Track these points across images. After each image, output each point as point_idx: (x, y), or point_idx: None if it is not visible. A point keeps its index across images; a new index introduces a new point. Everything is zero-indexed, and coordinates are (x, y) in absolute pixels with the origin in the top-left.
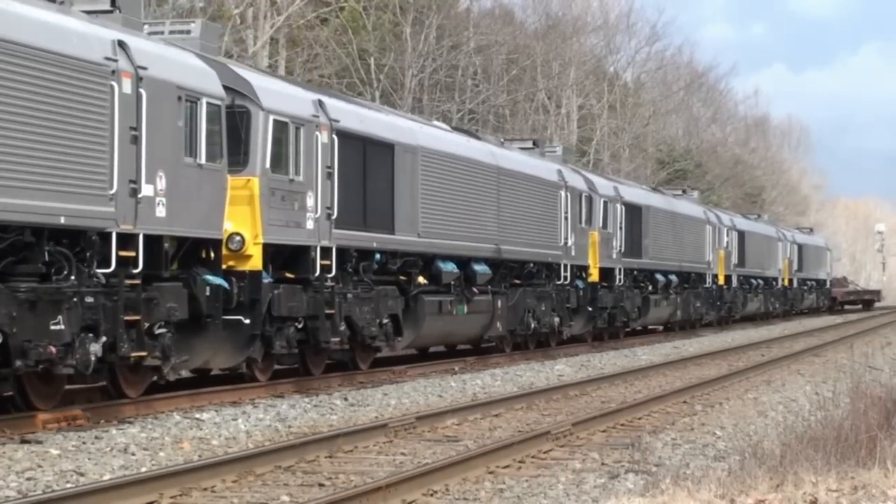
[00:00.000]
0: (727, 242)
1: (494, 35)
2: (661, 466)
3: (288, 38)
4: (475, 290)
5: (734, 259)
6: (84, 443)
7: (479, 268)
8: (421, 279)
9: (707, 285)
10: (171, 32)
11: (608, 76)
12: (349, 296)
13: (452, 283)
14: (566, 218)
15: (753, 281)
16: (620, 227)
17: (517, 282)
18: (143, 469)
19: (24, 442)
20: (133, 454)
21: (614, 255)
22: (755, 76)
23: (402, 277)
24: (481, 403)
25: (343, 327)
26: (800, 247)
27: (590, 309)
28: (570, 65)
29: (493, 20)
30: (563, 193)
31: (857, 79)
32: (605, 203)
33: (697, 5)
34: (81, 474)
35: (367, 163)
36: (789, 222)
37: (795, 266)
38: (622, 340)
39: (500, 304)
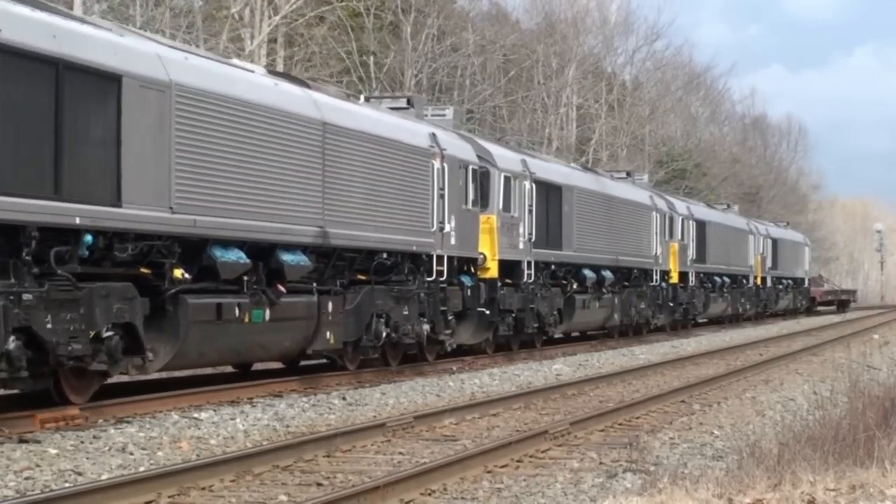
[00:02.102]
0: (682, 234)
1: (493, 35)
2: (659, 466)
3: (286, 37)
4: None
5: (691, 253)
6: (82, 442)
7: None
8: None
9: (654, 283)
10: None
11: (606, 76)
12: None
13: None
14: (442, 196)
15: (718, 279)
16: (530, 211)
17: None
18: (142, 468)
19: (22, 441)
20: (131, 454)
21: (521, 245)
22: (752, 76)
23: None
24: (479, 403)
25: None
26: (774, 241)
27: (487, 312)
28: (568, 64)
29: (491, 21)
30: (436, 163)
31: (854, 79)
32: (508, 179)
33: (694, 6)
34: (80, 474)
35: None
36: (787, 221)
37: (769, 263)
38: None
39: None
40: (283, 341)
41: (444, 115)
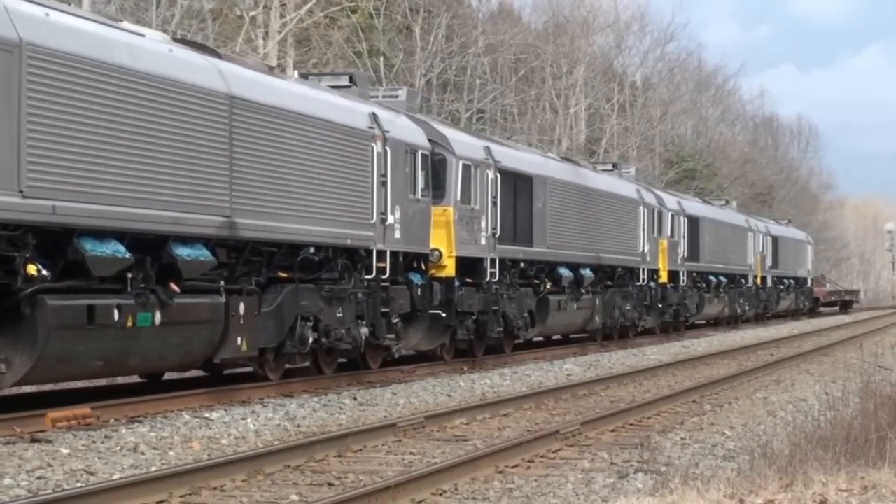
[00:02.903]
0: (672, 231)
1: (502, 35)
2: (671, 466)
3: (297, 37)
4: None
5: (683, 251)
6: (94, 442)
7: None
8: None
9: (641, 283)
10: (384, 97)
11: (618, 76)
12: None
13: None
14: (384, 183)
15: (713, 279)
16: (494, 203)
17: None
18: (153, 468)
19: (34, 441)
20: (143, 453)
21: (483, 241)
22: (762, 76)
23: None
24: (490, 403)
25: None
26: (775, 239)
27: (442, 314)
28: (578, 64)
29: (500, 20)
30: (376, 147)
31: (863, 79)
32: (467, 167)
33: (702, 6)
34: (91, 473)
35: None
36: (800, 222)
37: (770, 262)
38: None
39: None
40: (179, 348)
41: (395, 97)
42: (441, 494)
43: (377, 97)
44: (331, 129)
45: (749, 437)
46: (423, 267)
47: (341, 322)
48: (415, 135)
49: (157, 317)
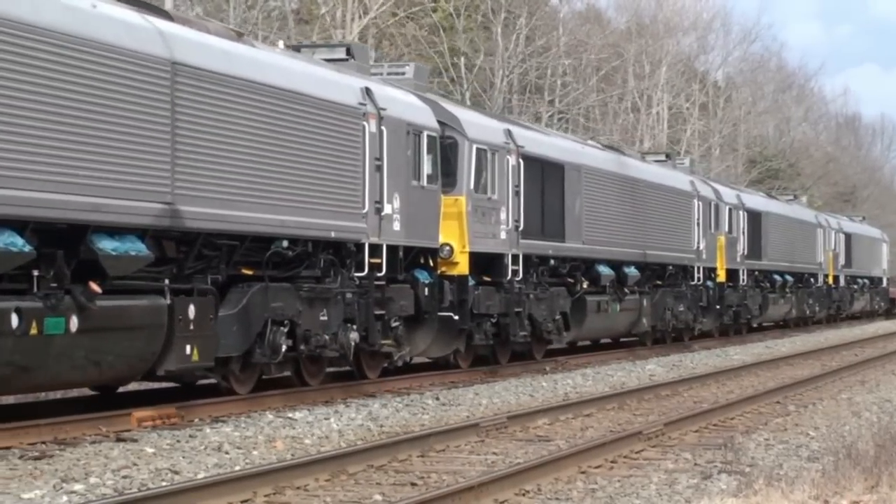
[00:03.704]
0: (731, 226)
1: (584, 36)
2: (755, 467)
3: (376, 37)
4: None
5: (742, 248)
6: (178, 441)
7: None
8: None
9: (696, 282)
10: (389, 74)
11: (699, 75)
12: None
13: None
14: (379, 168)
15: (778, 277)
16: (517, 192)
17: None
18: (237, 468)
19: (119, 440)
20: (227, 453)
21: (503, 234)
22: (844, 76)
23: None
24: (573, 403)
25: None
26: (848, 236)
27: (454, 317)
28: (661, 64)
29: (582, 21)
30: (369, 126)
31: None
32: (482, 152)
33: (784, 6)
34: (176, 472)
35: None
36: (884, 221)
37: (842, 260)
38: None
39: None
40: (105, 360)
41: (401, 74)
42: (524, 495)
43: (381, 73)
44: (310, 104)
45: (833, 438)
46: (432, 263)
47: (325, 326)
48: (420, 114)
49: (74, 323)
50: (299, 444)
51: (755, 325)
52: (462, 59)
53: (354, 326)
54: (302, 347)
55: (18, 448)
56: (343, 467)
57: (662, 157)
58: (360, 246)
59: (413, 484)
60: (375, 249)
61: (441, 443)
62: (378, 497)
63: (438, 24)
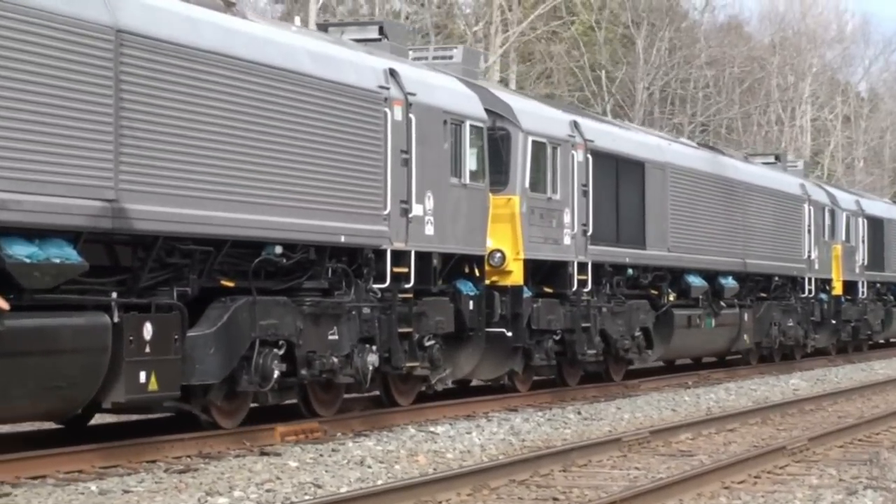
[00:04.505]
0: (848, 234)
1: (726, 48)
2: None
3: (519, 52)
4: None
5: (862, 258)
6: (321, 455)
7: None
8: None
9: (808, 295)
10: (435, 58)
11: (842, 87)
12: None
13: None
14: (406, 161)
15: None
16: (584, 192)
17: None
18: (380, 482)
19: (263, 454)
20: (369, 467)
21: (567, 240)
22: None
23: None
24: (715, 418)
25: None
26: None
27: (508, 334)
28: (804, 77)
29: (724, 33)
30: (392, 113)
31: None
32: (540, 146)
33: None
34: (319, 486)
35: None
36: None
37: None
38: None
39: None
40: (24, 393)
41: (448, 58)
42: None
43: (426, 57)
44: (313, 86)
45: None
46: (478, 273)
47: (335, 347)
48: (462, 101)
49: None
50: (441, 458)
51: (878, 342)
52: (603, 72)
53: (374, 347)
54: (304, 372)
55: (164, 461)
56: (485, 482)
57: (771, 159)
58: (380, 253)
59: (555, 499)
60: (402, 257)
61: (583, 457)
62: None
63: (578, 37)
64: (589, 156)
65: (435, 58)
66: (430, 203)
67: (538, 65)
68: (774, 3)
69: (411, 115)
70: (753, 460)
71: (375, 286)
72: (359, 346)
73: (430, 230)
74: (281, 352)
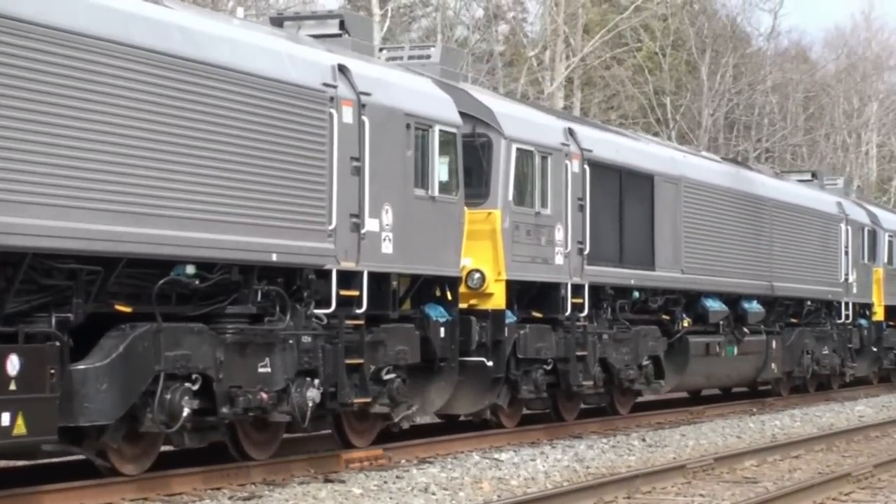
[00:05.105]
0: (891, 256)
1: (792, 74)
2: None
3: (583, 79)
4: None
5: None
6: (385, 482)
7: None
8: None
9: (844, 321)
10: (411, 58)
11: None
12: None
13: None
14: (357, 171)
15: None
16: (580, 207)
17: None
18: None
19: (328, 481)
20: (433, 494)
21: (559, 259)
22: None
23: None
24: (780, 445)
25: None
26: None
27: (488, 363)
28: (870, 102)
29: (789, 59)
30: (339, 115)
31: None
32: (526, 154)
33: None
34: None
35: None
36: None
37: None
38: None
39: None
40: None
41: (426, 57)
42: None
43: (400, 57)
44: (237, 81)
45: None
46: (451, 296)
47: (268, 381)
48: (431, 103)
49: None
50: (505, 485)
51: None
52: (668, 98)
53: (316, 381)
54: (225, 410)
55: (228, 489)
56: None
57: (807, 177)
58: (324, 273)
59: None
60: (352, 278)
61: (647, 484)
62: None
63: (643, 64)
64: (586, 166)
65: (411, 57)
66: (388, 217)
67: (601, 91)
68: (840, 29)
69: (364, 118)
70: (818, 487)
71: (319, 311)
72: (298, 380)
73: (388, 248)
74: (195, 387)
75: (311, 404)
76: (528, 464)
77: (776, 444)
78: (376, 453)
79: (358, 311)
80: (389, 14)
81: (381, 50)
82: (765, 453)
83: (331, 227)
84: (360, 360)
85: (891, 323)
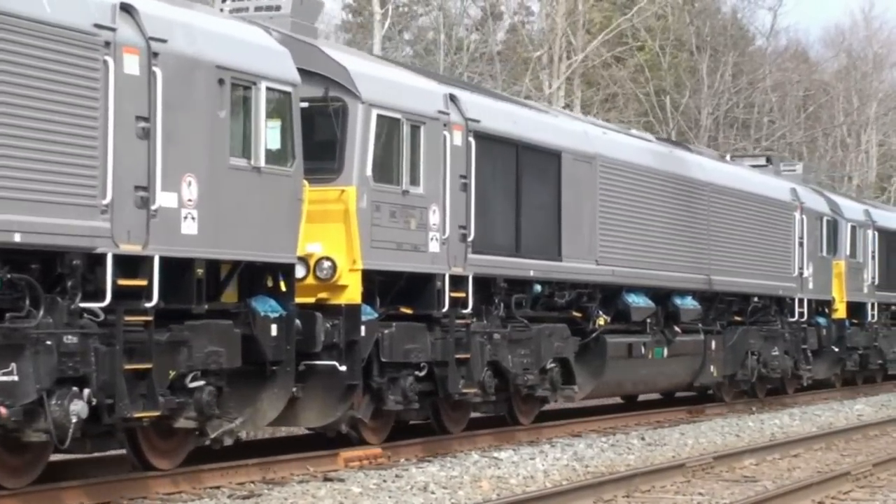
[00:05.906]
0: (854, 249)
1: (791, 73)
2: None
3: (584, 78)
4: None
5: (870, 277)
6: (385, 481)
7: None
8: None
9: (798, 319)
10: (258, 8)
11: None
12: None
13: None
14: (147, 133)
15: None
16: (463, 186)
17: None
18: None
19: (327, 480)
20: (433, 493)
21: (433, 245)
22: None
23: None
24: (779, 443)
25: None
26: None
27: (341, 368)
28: (870, 101)
29: (788, 59)
30: (111, 65)
31: None
32: (383, 119)
33: None
34: None
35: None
36: None
37: None
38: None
39: None
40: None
41: (276, 9)
42: None
43: (246, 8)
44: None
45: None
46: (284, 288)
47: (11, 392)
48: (259, 55)
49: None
50: (505, 483)
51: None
52: (668, 98)
53: (85, 391)
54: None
55: (228, 488)
56: None
57: (761, 161)
58: (97, 258)
59: None
60: (139, 264)
61: (646, 483)
62: None
63: (643, 63)
64: (471, 139)
65: (258, 8)
66: (191, 191)
67: (603, 90)
68: (839, 27)
69: (157, 69)
70: (817, 486)
71: (92, 305)
72: (58, 391)
73: (190, 228)
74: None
75: (74, 419)
76: (528, 462)
77: (775, 443)
78: (375, 452)
79: (147, 305)
80: (390, 13)
81: (223, 1)
82: (764, 452)
83: (105, 202)
84: (149, 365)
85: (854, 321)
